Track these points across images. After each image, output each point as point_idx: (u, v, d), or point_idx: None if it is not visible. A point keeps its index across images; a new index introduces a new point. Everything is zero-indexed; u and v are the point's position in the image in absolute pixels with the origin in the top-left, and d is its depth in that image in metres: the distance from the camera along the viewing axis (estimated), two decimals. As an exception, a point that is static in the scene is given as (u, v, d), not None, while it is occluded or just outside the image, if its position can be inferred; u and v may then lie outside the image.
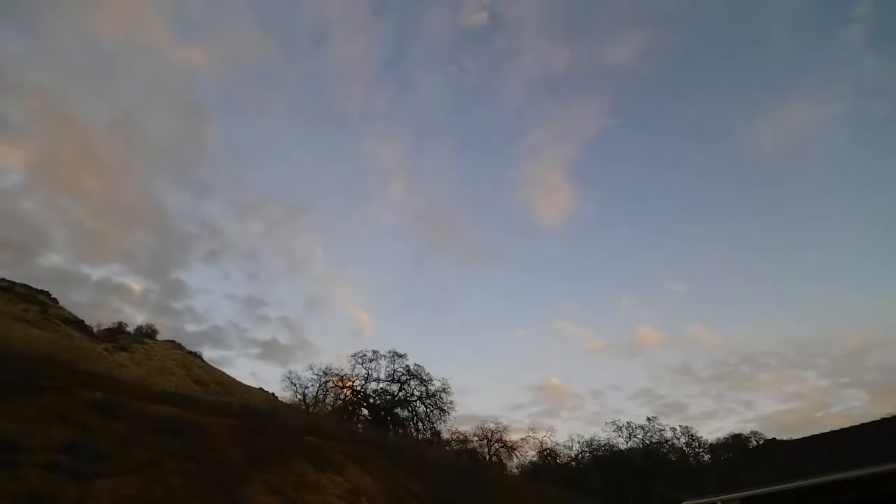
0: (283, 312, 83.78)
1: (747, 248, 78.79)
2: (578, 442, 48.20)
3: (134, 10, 53.81)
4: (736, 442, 47.13)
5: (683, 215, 76.98)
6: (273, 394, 42.00)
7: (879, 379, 62.45)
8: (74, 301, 34.12)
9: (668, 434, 47.25)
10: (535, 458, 46.77)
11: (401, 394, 37.40)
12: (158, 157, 55.30)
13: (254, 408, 19.31)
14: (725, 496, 13.54)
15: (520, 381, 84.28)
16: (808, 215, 76.73)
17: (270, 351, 67.28)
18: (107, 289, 62.89)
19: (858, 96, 77.67)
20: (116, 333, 39.35)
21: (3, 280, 36.46)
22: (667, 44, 78.09)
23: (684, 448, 46.91)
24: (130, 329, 42.04)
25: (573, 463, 47.51)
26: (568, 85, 78.86)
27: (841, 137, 79.22)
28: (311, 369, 38.09)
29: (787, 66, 78.27)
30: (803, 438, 17.17)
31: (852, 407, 60.81)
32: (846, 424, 14.87)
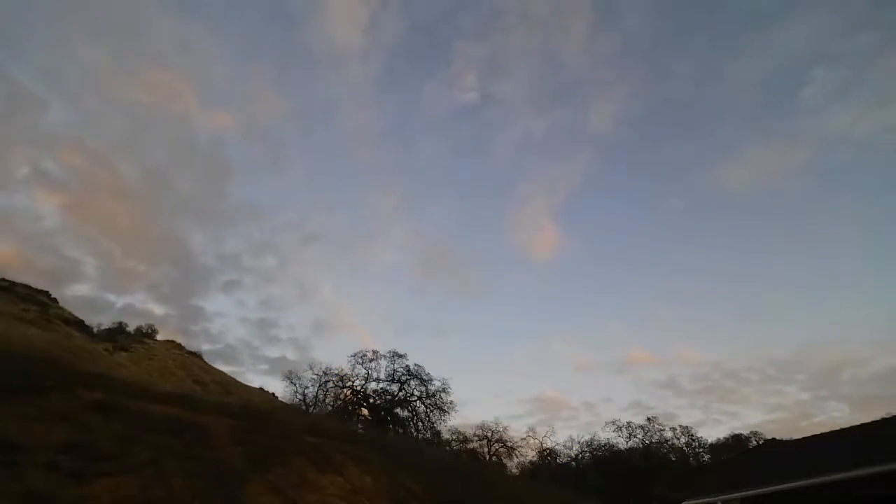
0: (293, 334, 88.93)
1: (726, 276, 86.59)
2: (578, 442, 48.19)
3: (168, 81, 62.07)
4: (736, 442, 47.10)
5: (664, 248, 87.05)
6: (273, 394, 42.04)
7: (856, 392, 67.21)
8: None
9: (668, 434, 47.23)
10: (534, 459, 46.79)
11: (401, 394, 37.39)
12: (184, 205, 61.45)
13: (254, 408, 19.30)
14: (725, 496, 13.53)
15: (516, 395, 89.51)
16: (781, 247, 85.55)
17: (279, 367, 69.39)
18: (129, 314, 65.39)
19: (821, 145, 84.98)
20: (116, 333, 39.34)
21: (3, 280, 36.47)
22: (640, 110, 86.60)
23: (684, 448, 46.88)
24: (130, 329, 42.02)
25: (573, 463, 47.48)
26: (551, 147, 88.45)
27: (807, 180, 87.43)
28: (310, 369, 38.09)
29: (752, 121, 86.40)
30: (803, 438, 17.16)
31: (834, 417, 63.40)
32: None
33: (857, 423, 14.59)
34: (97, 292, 69.49)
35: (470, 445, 42.71)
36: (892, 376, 57.15)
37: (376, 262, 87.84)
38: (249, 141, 70.67)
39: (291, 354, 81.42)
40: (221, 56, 66.27)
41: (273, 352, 60.29)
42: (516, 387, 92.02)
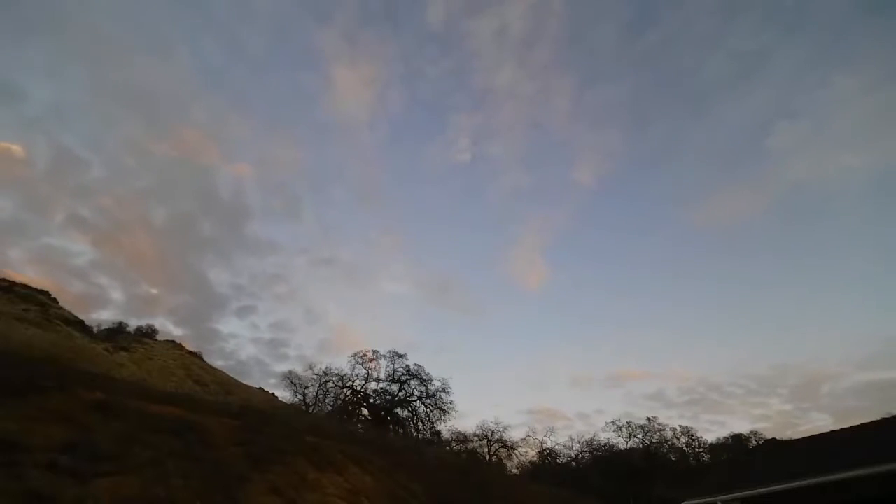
0: (301, 352, 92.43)
1: (705, 301, 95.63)
2: (578, 442, 48.18)
3: (195, 139, 72.41)
4: (736, 442, 47.07)
5: (648, 278, 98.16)
6: (273, 394, 42.04)
7: (836, 404, 71.16)
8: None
9: (668, 434, 47.22)
10: (535, 458, 46.77)
11: (401, 394, 37.38)
12: (205, 242, 75.39)
13: (254, 408, 19.31)
14: (725, 496, 13.53)
15: (513, 407, 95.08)
16: (755, 276, 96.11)
17: (287, 380, 73.06)
18: (147, 335, 69.67)
19: (784, 188, 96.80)
20: (116, 333, 39.33)
21: (3, 280, 36.47)
22: (619, 165, 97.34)
23: (684, 448, 46.87)
24: (130, 329, 42.02)
25: (573, 463, 47.46)
26: (538, 196, 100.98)
27: (773, 217, 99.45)
28: (310, 369, 38.07)
29: (722, 167, 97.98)
30: (803, 438, 17.16)
31: (819, 425, 67.12)
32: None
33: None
34: (122, 316, 74.34)
35: (470, 445, 42.71)
36: (867, 390, 63.27)
37: (380, 292, 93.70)
38: (266, 189, 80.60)
39: (299, 370, 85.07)
40: (244, 120, 79.41)
41: (282, 367, 63.04)
42: (513, 399, 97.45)
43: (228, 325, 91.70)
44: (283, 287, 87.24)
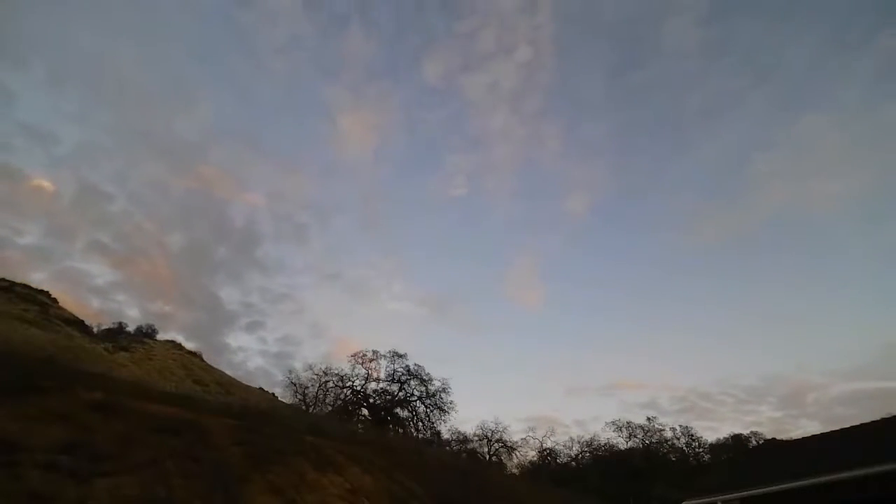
0: (307, 363, 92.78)
1: (694, 317, 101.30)
2: (578, 442, 48.16)
3: (209, 174, 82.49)
4: (736, 442, 47.05)
5: (639, 297, 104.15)
6: (273, 394, 42.03)
7: (823, 411, 74.12)
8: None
9: (668, 434, 47.19)
10: (535, 458, 46.75)
11: (401, 394, 37.35)
12: (217, 265, 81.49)
13: (254, 408, 19.30)
14: (725, 496, 13.53)
15: (512, 415, 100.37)
16: (740, 293, 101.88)
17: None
18: (159, 347, 72.58)
19: (766, 211, 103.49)
20: (116, 333, 39.35)
21: (3, 280, 36.46)
22: (608, 195, 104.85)
23: (684, 448, 46.85)
24: (130, 329, 42.03)
25: (573, 463, 47.46)
26: (532, 225, 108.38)
27: (755, 238, 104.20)
28: (310, 369, 38.04)
29: (705, 193, 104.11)
30: (803, 438, 17.16)
31: (810, 431, 67.82)
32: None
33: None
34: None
35: (470, 445, 42.70)
36: (852, 398, 66.18)
37: (382, 309, 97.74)
38: (276, 218, 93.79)
39: (300, 370, 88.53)
40: (257, 159, 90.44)
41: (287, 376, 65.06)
42: (512, 408, 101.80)
43: (237, 339, 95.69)
44: (290, 305, 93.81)
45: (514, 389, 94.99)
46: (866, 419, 14.51)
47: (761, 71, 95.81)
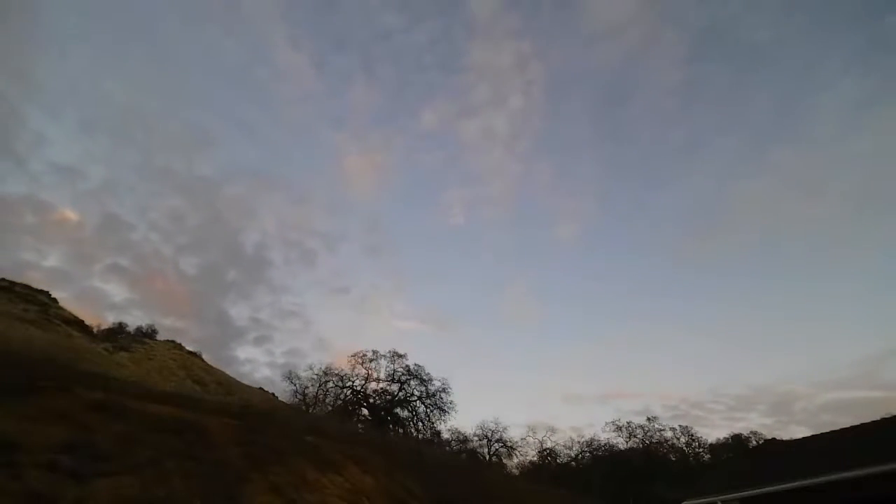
0: (311, 374, 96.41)
1: (682, 332, 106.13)
2: (578, 442, 48.18)
3: (224, 206, 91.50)
4: (736, 442, 47.06)
5: (629, 316, 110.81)
6: (273, 394, 42.02)
7: (811, 419, 76.84)
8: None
9: (668, 434, 47.22)
10: (535, 458, 46.78)
11: (401, 394, 37.37)
12: (229, 286, 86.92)
13: (254, 408, 19.30)
14: (725, 496, 13.54)
15: (511, 420, 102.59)
16: (728, 309, 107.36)
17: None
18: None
19: (749, 234, 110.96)
20: (116, 333, 39.35)
21: (3, 280, 36.46)
22: (595, 226, 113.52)
23: (684, 448, 46.86)
24: (130, 329, 42.02)
25: (573, 463, 47.47)
26: (527, 250, 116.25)
27: (741, 259, 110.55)
28: (311, 369, 38.06)
29: (685, 223, 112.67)
30: (803, 438, 17.16)
31: (800, 436, 69.79)
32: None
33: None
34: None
35: (470, 445, 42.73)
36: (837, 406, 69.39)
37: (384, 324, 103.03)
38: (286, 245, 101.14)
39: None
40: (269, 193, 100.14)
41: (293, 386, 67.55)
42: (510, 416, 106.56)
43: (245, 352, 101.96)
44: (296, 321, 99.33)
45: (513, 398, 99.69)
46: (850, 425, 14.65)
47: (736, 108, 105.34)
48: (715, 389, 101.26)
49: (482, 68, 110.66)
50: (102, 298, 79.32)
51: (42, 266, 72.79)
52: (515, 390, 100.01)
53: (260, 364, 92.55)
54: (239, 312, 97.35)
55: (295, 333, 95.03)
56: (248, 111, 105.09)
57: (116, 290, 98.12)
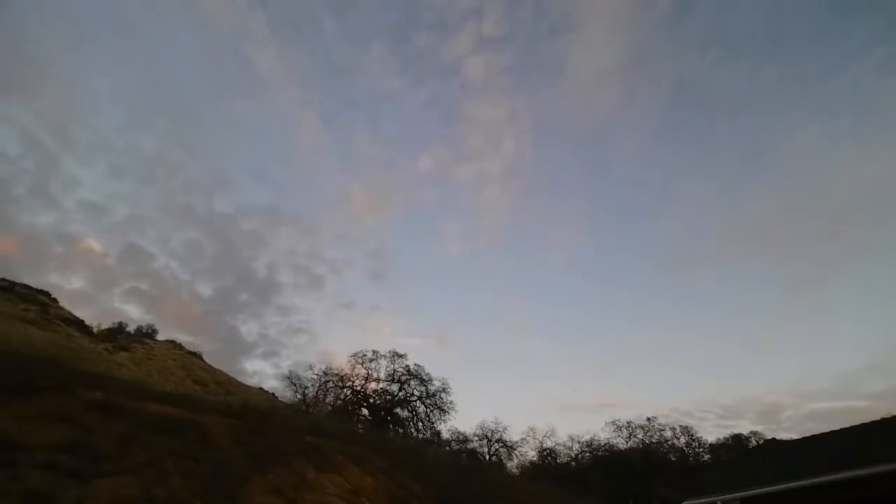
0: (311, 374, 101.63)
1: (670, 345, 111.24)
2: (578, 442, 48.12)
3: (240, 238, 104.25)
4: (736, 442, 47.06)
5: (622, 327, 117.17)
6: (273, 394, 41.99)
7: (799, 426, 79.21)
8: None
9: (668, 434, 47.13)
10: (535, 458, 46.76)
11: (401, 394, 37.35)
12: (240, 307, 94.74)
13: (254, 408, 19.31)
14: (725, 496, 13.54)
15: (511, 428, 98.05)
16: (715, 323, 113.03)
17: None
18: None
19: (725, 268, 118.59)
20: (116, 333, 39.34)
21: (4, 280, 36.48)
22: (584, 255, 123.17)
23: (684, 448, 46.84)
24: (130, 329, 42.02)
25: (573, 463, 47.45)
26: (521, 275, 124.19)
27: (723, 288, 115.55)
28: (311, 369, 38.04)
29: (663, 259, 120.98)
30: (803, 438, 17.15)
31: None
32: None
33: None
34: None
35: (470, 445, 42.72)
36: (821, 415, 73.04)
37: (386, 340, 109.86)
38: (294, 271, 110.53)
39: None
40: (281, 228, 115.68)
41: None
42: (510, 422, 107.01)
43: (253, 365, 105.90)
44: (303, 337, 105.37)
45: (512, 408, 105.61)
46: (850, 425, 14.72)
47: (711, 149, 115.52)
48: (703, 400, 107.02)
49: (476, 120, 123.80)
50: (121, 317, 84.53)
51: (66, 288, 77.62)
52: (514, 401, 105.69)
53: (267, 375, 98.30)
54: (249, 329, 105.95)
55: (301, 348, 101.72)
56: (263, 158, 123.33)
57: (135, 311, 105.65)
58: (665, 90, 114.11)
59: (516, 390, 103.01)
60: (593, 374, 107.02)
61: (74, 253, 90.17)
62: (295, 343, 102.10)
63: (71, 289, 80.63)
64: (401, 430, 35.92)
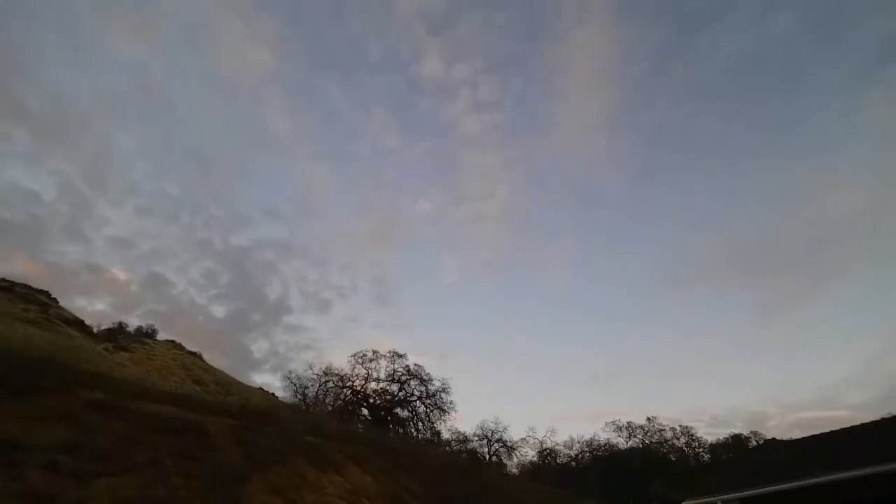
0: (311, 374, 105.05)
1: (656, 356, 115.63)
2: (578, 442, 48.16)
3: (254, 268, 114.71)
4: (736, 442, 47.06)
5: (615, 340, 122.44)
6: (273, 394, 41.97)
7: (784, 434, 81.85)
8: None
9: (668, 434, 47.22)
10: (535, 458, 46.80)
11: (401, 394, 37.37)
12: (251, 326, 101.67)
13: (254, 408, 19.32)
14: (725, 496, 13.54)
15: (511, 429, 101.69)
16: (711, 336, 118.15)
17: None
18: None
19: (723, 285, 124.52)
20: (116, 333, 39.32)
21: (3, 280, 36.46)
22: (578, 281, 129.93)
23: (684, 448, 46.89)
24: (130, 329, 42.01)
25: (573, 463, 47.49)
26: (517, 297, 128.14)
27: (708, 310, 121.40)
28: (311, 369, 38.04)
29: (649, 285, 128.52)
30: (803, 438, 17.16)
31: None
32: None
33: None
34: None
35: (470, 445, 42.74)
36: (806, 424, 76.02)
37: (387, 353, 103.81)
38: (304, 296, 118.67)
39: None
40: (292, 261, 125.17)
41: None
42: (510, 423, 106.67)
43: (262, 378, 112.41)
44: (310, 353, 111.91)
45: (512, 413, 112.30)
46: (850, 425, 14.73)
47: (688, 188, 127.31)
48: (694, 409, 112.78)
49: (471, 168, 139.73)
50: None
51: (89, 310, 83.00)
52: (513, 411, 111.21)
53: (275, 388, 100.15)
54: (259, 347, 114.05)
55: (307, 363, 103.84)
56: (277, 200, 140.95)
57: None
58: (645, 137, 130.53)
59: (515, 402, 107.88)
60: (587, 385, 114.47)
61: (100, 281, 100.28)
62: (302, 358, 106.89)
63: (93, 310, 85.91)
64: (401, 430, 35.92)
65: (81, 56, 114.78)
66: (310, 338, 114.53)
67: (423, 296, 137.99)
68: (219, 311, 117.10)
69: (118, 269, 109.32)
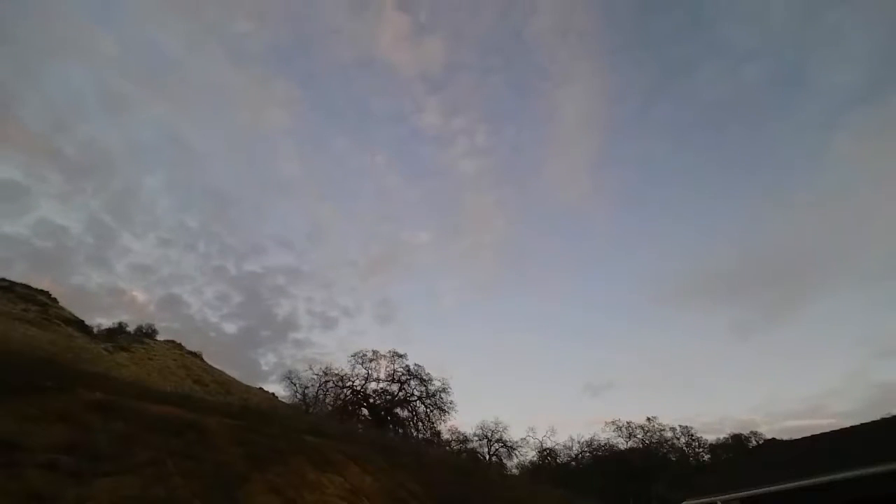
0: (311, 374, 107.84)
1: (647, 367, 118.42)
2: (578, 442, 48.14)
3: (264, 289, 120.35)
4: (736, 442, 47.04)
5: (611, 349, 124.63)
6: (273, 394, 42.00)
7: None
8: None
9: (668, 434, 47.18)
10: (535, 458, 46.78)
11: (401, 394, 37.35)
12: (260, 342, 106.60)
13: (254, 408, 19.31)
14: (725, 496, 13.54)
15: (511, 429, 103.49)
16: (701, 348, 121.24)
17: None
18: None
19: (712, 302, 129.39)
20: (116, 333, 39.33)
21: (4, 280, 36.48)
22: (568, 296, 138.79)
23: (684, 448, 46.87)
24: (130, 329, 42.01)
25: (573, 463, 47.48)
26: (508, 322, 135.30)
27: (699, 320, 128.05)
28: (310, 369, 38.02)
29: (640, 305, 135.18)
30: (803, 438, 17.16)
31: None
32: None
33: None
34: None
35: (470, 445, 42.73)
36: (793, 431, 78.69)
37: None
38: (311, 315, 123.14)
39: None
40: (300, 283, 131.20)
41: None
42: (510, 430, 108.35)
43: (268, 388, 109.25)
44: (317, 366, 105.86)
45: (511, 417, 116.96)
46: (850, 425, 14.73)
47: (674, 217, 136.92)
48: (685, 417, 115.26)
49: (468, 205, 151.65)
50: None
51: (105, 326, 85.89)
52: (513, 409, 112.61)
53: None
54: (267, 360, 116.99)
55: (307, 363, 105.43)
56: (288, 233, 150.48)
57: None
58: (629, 171, 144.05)
59: (514, 411, 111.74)
60: (582, 394, 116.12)
61: (120, 302, 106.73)
62: (308, 371, 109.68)
63: (110, 325, 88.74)
64: (401, 430, 35.90)
65: (112, 110, 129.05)
66: (316, 352, 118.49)
67: (423, 316, 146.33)
68: (230, 327, 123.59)
69: (138, 290, 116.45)
